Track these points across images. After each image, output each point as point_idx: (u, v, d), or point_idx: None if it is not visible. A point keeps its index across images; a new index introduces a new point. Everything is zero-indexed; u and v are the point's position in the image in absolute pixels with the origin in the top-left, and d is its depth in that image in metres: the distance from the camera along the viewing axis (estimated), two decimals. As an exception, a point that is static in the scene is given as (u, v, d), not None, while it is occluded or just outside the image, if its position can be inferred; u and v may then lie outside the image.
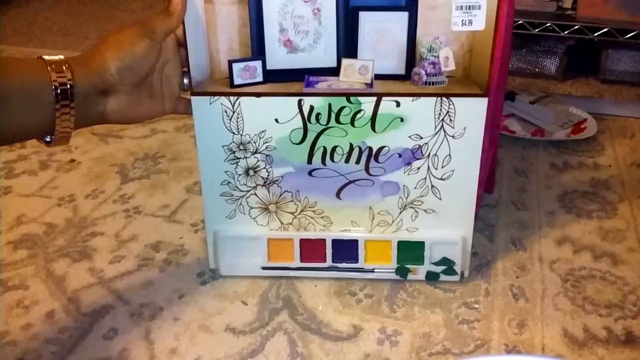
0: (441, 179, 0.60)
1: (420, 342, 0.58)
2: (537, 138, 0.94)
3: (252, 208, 0.63)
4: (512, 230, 0.74)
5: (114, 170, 0.88)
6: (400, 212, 0.62)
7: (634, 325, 0.60)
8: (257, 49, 0.56)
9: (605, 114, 1.01)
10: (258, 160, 0.60)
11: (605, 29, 1.02)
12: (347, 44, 0.55)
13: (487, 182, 0.77)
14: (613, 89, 1.13)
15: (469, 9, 0.52)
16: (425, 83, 0.55)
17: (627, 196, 0.80)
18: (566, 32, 1.04)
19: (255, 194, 0.62)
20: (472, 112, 0.56)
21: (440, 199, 0.61)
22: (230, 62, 0.56)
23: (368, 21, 0.54)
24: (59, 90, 0.46)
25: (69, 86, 0.47)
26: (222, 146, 0.59)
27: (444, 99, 0.56)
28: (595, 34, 1.03)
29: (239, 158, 0.60)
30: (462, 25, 0.53)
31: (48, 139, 0.49)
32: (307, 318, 0.61)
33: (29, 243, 0.72)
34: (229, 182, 0.61)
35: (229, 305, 0.63)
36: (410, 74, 0.56)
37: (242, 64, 0.56)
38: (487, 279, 0.66)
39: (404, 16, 0.54)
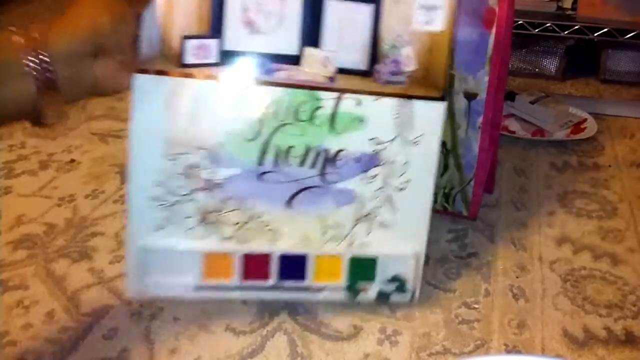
0: (397, 189, 0.56)
1: (420, 342, 0.58)
2: (537, 138, 0.94)
3: (188, 217, 0.54)
4: (512, 230, 0.74)
5: (114, 170, 0.88)
6: (354, 226, 0.57)
7: (634, 325, 0.60)
8: (216, 26, 0.51)
9: (605, 114, 1.01)
10: (202, 158, 0.53)
11: (605, 29, 1.02)
12: (311, 32, 0.53)
13: (487, 182, 0.77)
14: (613, 89, 1.13)
15: (430, 9, 0.52)
16: (386, 82, 0.54)
17: (627, 196, 0.80)
18: (566, 32, 1.04)
19: (194, 200, 0.54)
20: (430, 116, 0.54)
21: (395, 212, 0.57)
22: (183, 38, 0.51)
23: (333, 11, 0.53)
24: (31, 60, 0.42)
25: (48, 69, 0.43)
26: (161, 137, 0.52)
27: (404, 100, 0.54)
28: (595, 34, 1.03)
29: (180, 153, 0.53)
30: (423, 24, 0.53)
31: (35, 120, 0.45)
32: (307, 318, 0.61)
33: (29, 243, 0.72)
34: (164, 183, 0.53)
35: (229, 305, 0.63)
36: (373, 70, 0.54)
37: (196, 41, 0.51)
38: (487, 279, 0.66)
39: (369, 8, 0.53)
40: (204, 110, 0.52)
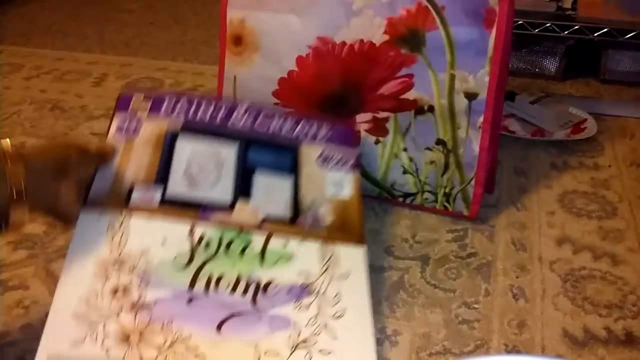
0: (333, 317, 0.55)
1: (420, 342, 0.58)
2: (537, 138, 0.94)
3: (108, 336, 0.51)
4: (512, 230, 0.74)
5: (114, 170, 0.87)
6: (292, 352, 0.53)
7: (634, 325, 0.60)
8: (161, 178, 0.62)
9: (605, 114, 1.01)
10: (132, 280, 0.54)
11: (605, 29, 1.02)
12: (243, 191, 0.63)
13: (487, 182, 0.77)
14: (613, 89, 1.12)
15: (338, 182, 0.65)
16: (309, 229, 0.62)
17: (627, 196, 0.80)
18: (566, 32, 1.04)
19: (118, 319, 0.52)
20: (353, 258, 0.60)
21: (335, 339, 0.54)
22: (131, 185, 0.60)
23: (261, 176, 0.64)
24: (14, 184, 0.49)
25: (22, 179, 0.50)
26: (95, 260, 0.54)
27: (327, 244, 0.60)
28: (595, 34, 1.03)
29: (111, 274, 0.54)
30: (334, 193, 0.64)
31: None
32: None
33: (29, 243, 0.72)
34: (89, 301, 0.52)
35: None
36: (297, 220, 0.62)
37: (142, 188, 0.60)
38: (487, 279, 0.66)
39: (290, 176, 0.65)
40: (140, 241, 0.56)
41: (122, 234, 0.56)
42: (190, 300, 0.54)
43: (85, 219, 0.57)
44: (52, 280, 0.66)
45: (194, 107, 0.66)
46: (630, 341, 0.58)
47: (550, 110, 0.96)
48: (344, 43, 0.73)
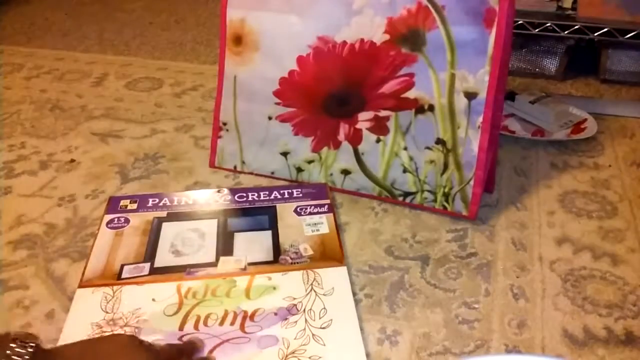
0: (321, 327, 0.58)
1: (420, 342, 0.58)
2: (537, 138, 0.94)
3: None
4: (512, 230, 0.74)
5: (114, 170, 0.88)
6: None
7: (634, 325, 0.60)
8: (149, 255, 0.67)
9: (605, 114, 1.01)
10: (125, 332, 0.58)
11: (605, 29, 1.02)
12: (225, 249, 0.69)
13: (487, 182, 0.77)
14: (613, 89, 1.12)
15: (315, 224, 0.72)
16: (291, 264, 0.66)
17: (627, 196, 0.80)
18: (566, 32, 1.04)
19: None
20: (336, 276, 0.64)
21: (324, 346, 0.57)
22: (122, 265, 0.66)
23: (242, 236, 0.71)
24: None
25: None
26: (91, 323, 0.59)
27: (309, 271, 0.65)
28: (595, 34, 1.03)
29: (105, 331, 0.58)
30: (312, 232, 0.71)
31: None
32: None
33: (29, 243, 0.72)
34: None
35: (229, 305, 0.62)
36: (279, 259, 0.67)
37: (131, 266, 0.66)
38: (487, 279, 0.66)
39: (268, 233, 0.71)
40: (132, 303, 0.61)
41: (114, 301, 0.61)
42: (180, 338, 0.57)
43: (80, 295, 0.62)
44: (52, 280, 0.66)
45: (175, 200, 0.76)
46: (630, 341, 0.58)
47: (550, 110, 0.96)
48: (344, 42, 0.73)
